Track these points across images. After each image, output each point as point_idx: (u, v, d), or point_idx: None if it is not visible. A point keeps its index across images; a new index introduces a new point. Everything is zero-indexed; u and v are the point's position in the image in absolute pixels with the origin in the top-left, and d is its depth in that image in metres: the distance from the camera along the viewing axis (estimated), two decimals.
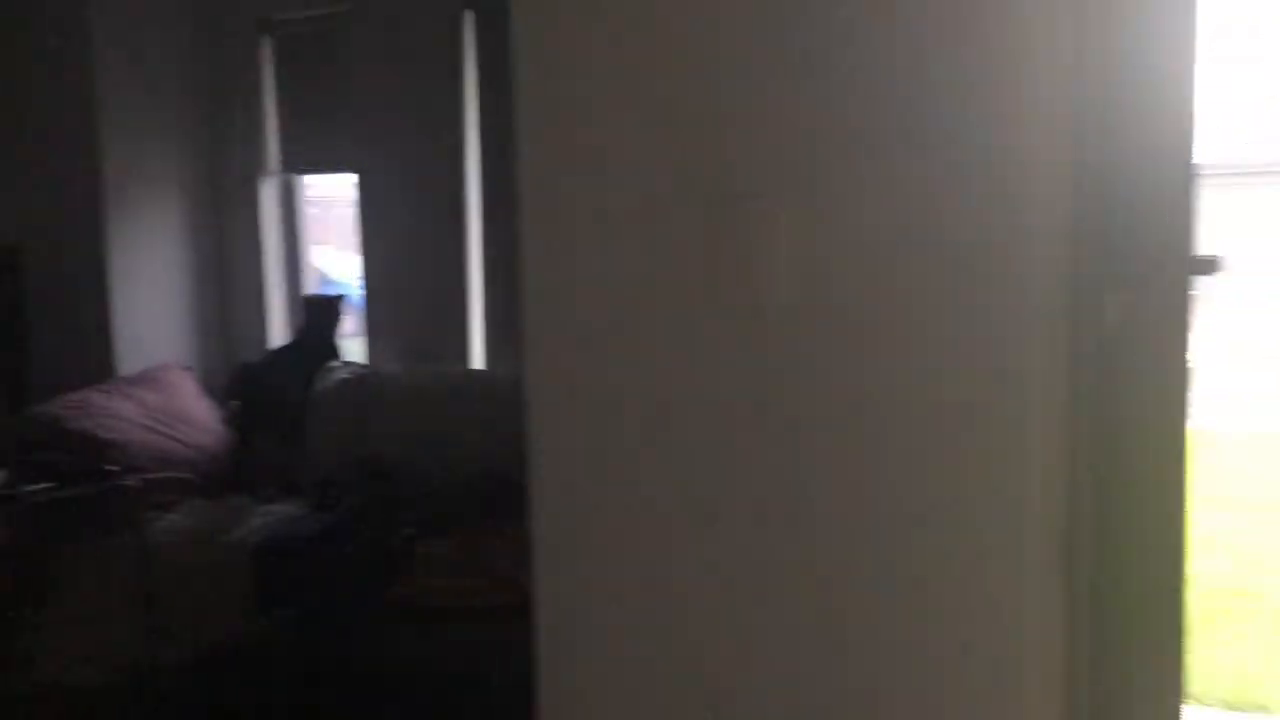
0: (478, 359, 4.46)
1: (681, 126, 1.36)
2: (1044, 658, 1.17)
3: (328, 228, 5.03)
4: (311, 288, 4.91)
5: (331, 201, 5.00)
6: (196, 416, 4.34)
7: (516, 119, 1.62)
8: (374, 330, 4.66)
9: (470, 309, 4.45)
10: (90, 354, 4.56)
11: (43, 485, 3.56)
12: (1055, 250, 1.15)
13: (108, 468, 3.75)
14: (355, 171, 4.64)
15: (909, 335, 1.21)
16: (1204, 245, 1.29)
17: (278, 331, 4.94)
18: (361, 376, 4.40)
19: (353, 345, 4.70)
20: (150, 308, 4.68)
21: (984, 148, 1.14)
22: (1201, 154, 1.23)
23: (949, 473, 1.20)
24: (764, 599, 1.37)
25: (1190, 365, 1.23)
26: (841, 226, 1.24)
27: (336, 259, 5.02)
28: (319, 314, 4.52)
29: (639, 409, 1.47)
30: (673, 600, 1.46)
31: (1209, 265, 1.29)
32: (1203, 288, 1.30)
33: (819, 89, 1.23)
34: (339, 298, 4.54)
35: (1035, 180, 1.13)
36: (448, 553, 3.11)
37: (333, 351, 4.55)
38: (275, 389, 4.36)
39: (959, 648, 1.21)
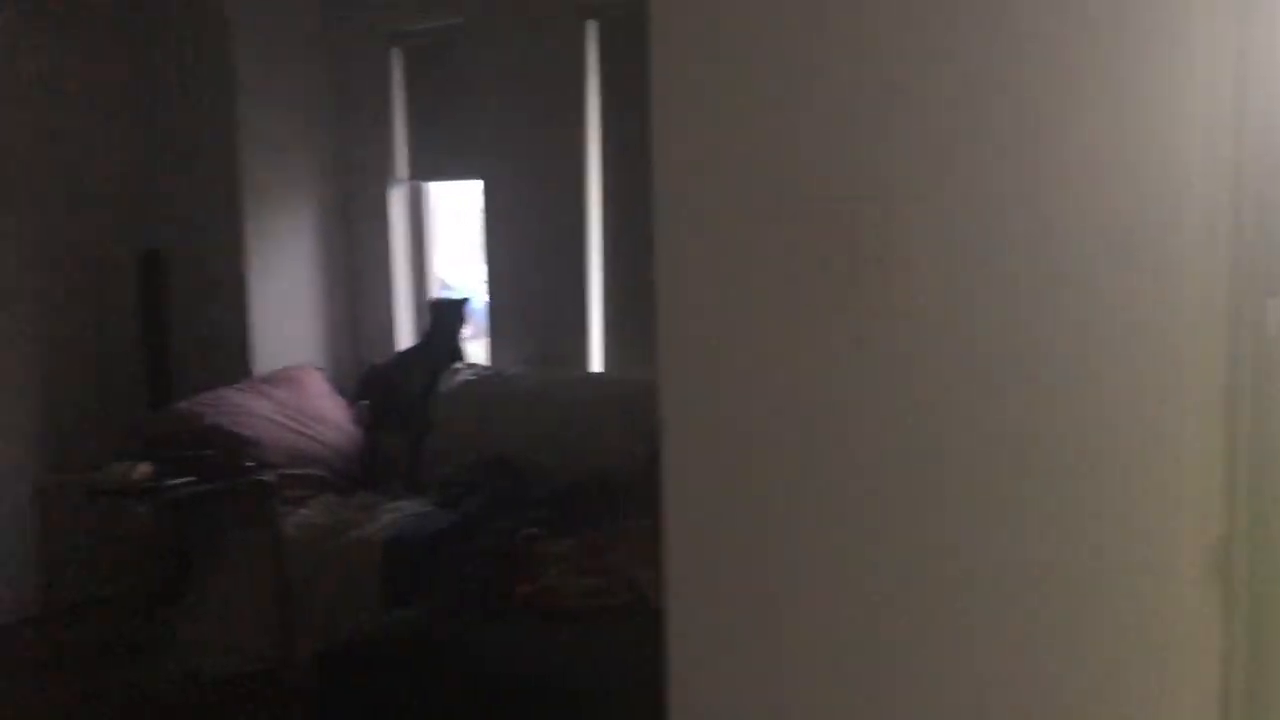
0: (597, 362, 4.52)
1: (818, 129, 1.36)
2: (1200, 665, 1.14)
3: (452, 234, 5.14)
4: (436, 292, 5.03)
5: (457, 207, 5.11)
6: (328, 415, 4.49)
7: (650, 126, 1.64)
8: (497, 333, 4.75)
9: (590, 313, 4.50)
10: (228, 354, 4.76)
11: (184, 480, 3.72)
12: (1215, 253, 1.12)
13: (246, 463, 3.90)
14: (480, 178, 4.75)
15: (1061, 338, 1.19)
16: None
17: (404, 334, 5.07)
18: (485, 378, 4.50)
19: (476, 348, 4.80)
20: (284, 310, 4.86)
21: (1142, 149, 1.11)
22: None
23: (1102, 477, 1.18)
24: (895, 601, 1.36)
25: None
26: (988, 228, 1.23)
27: (459, 264, 5.13)
28: (444, 317, 4.63)
29: (772, 411, 1.47)
30: (804, 603, 1.46)
31: None
32: None
33: (968, 90, 1.22)
34: (463, 301, 4.65)
35: (1195, 182, 1.11)
36: (570, 552, 3.15)
37: (457, 354, 4.66)
38: (402, 390, 4.49)
39: (1114, 653, 1.18)
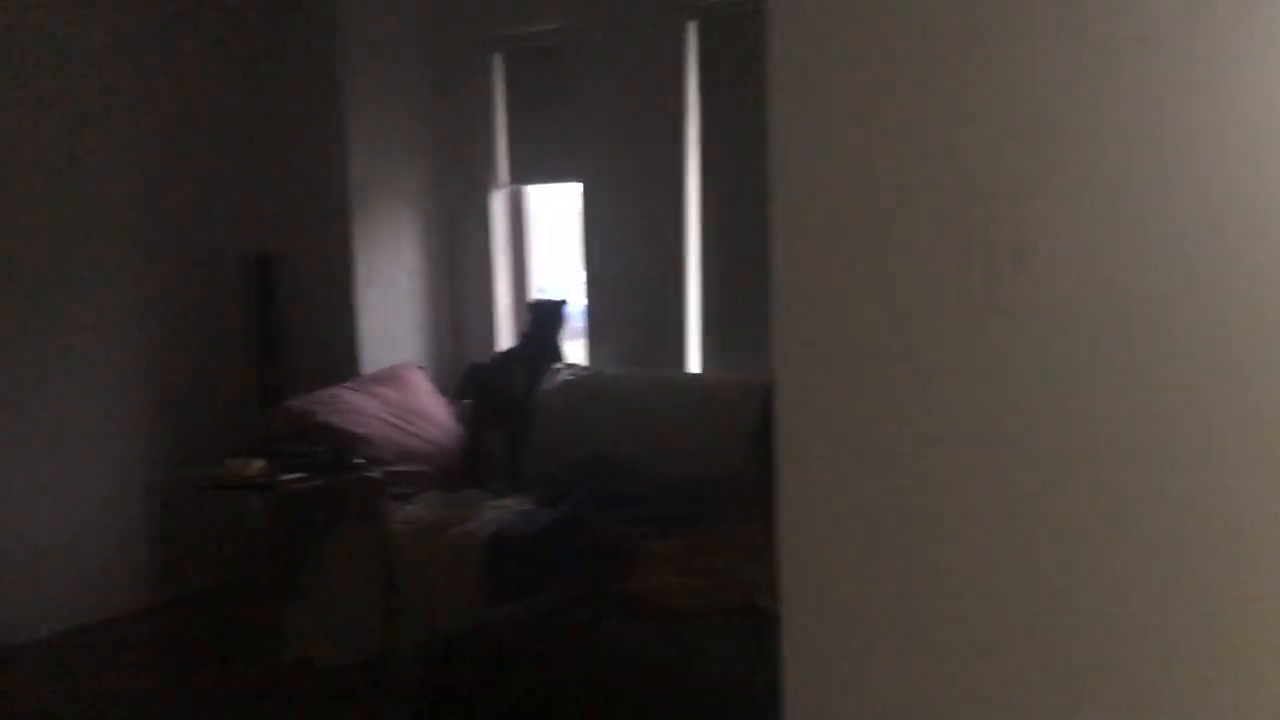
0: (694, 363, 4.53)
1: (949, 124, 1.34)
2: None
3: (551, 236, 5.20)
4: (535, 293, 5.10)
5: (555, 210, 5.17)
6: (432, 413, 4.58)
7: (770, 122, 1.63)
8: (595, 334, 4.79)
9: (688, 314, 4.52)
10: (337, 353, 4.89)
11: (295, 475, 3.83)
12: None
13: (355, 460, 4.00)
14: (578, 181, 4.80)
15: (1196, 337, 1.16)
16: None
17: (504, 334, 5.15)
18: (584, 378, 4.54)
19: (575, 348, 4.85)
20: (389, 310, 4.97)
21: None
22: None
23: (1232, 479, 1.15)
24: (1011, 604, 1.33)
25: None
26: (1125, 224, 1.20)
27: (558, 266, 5.19)
28: (543, 318, 4.69)
29: (895, 413, 1.45)
30: (924, 609, 1.44)
31: None
32: None
33: (1107, 84, 1.20)
34: (562, 303, 4.70)
35: None
36: (673, 552, 3.16)
37: (556, 354, 4.71)
38: (503, 389, 4.55)
39: (1237, 658, 1.15)
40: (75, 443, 4.50)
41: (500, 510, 4.01)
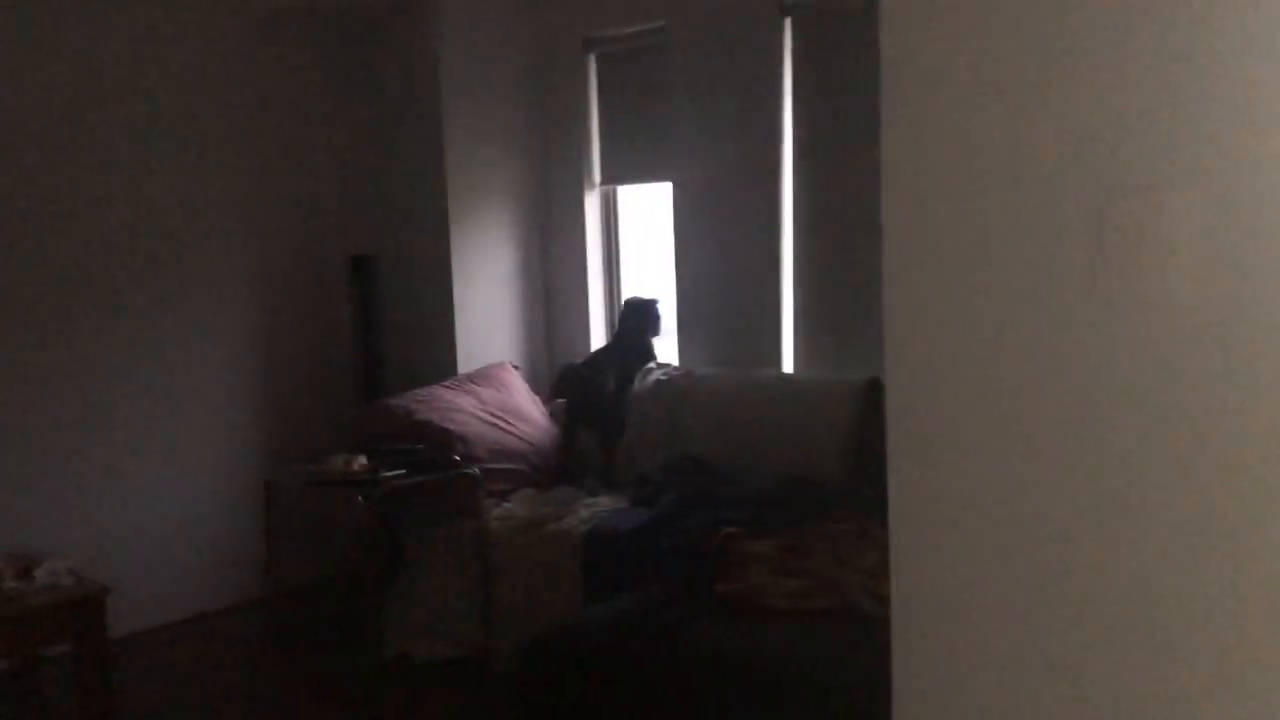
0: (788, 363, 4.51)
1: (1074, 116, 1.31)
2: None
3: (642, 236, 5.23)
4: (627, 293, 5.13)
5: (647, 210, 5.20)
6: (527, 412, 4.64)
7: (883, 116, 1.62)
8: (687, 334, 4.81)
9: (782, 314, 4.51)
10: (435, 352, 4.98)
11: (396, 472, 3.92)
12: None
13: (453, 457, 4.08)
14: (670, 181, 4.82)
15: None
16: None
17: (596, 333, 5.19)
18: (676, 378, 4.56)
19: (667, 347, 4.87)
20: (484, 310, 5.05)
21: None
22: None
23: None
24: (1129, 608, 1.31)
25: None
26: (1252, 219, 1.17)
27: (649, 266, 5.21)
28: (635, 317, 4.73)
29: (1013, 413, 1.43)
30: (1038, 614, 1.42)
31: None
32: None
33: (1227, 77, 1.17)
34: (653, 302, 4.72)
35: None
36: (770, 552, 3.17)
37: (649, 353, 4.74)
38: (596, 388, 4.60)
39: None
40: (192, 439, 4.67)
41: (594, 508, 4.05)
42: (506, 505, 4.17)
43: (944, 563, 1.55)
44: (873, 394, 3.98)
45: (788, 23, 4.40)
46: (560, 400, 4.80)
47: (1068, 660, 1.37)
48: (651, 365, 4.71)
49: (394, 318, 5.02)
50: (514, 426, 4.49)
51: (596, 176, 5.17)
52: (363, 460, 3.94)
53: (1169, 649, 1.27)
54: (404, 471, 3.94)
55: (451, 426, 4.27)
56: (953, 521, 1.51)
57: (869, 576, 2.94)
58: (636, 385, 4.63)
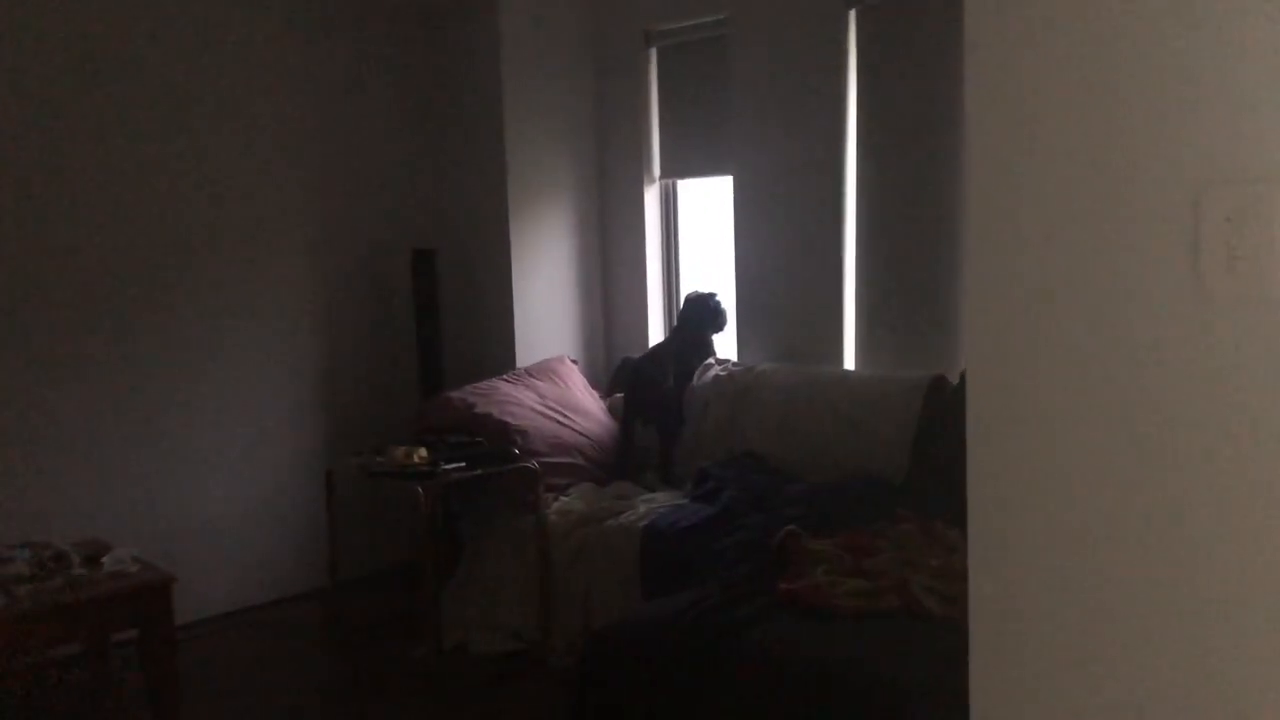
0: (850, 359, 4.45)
1: (1160, 104, 1.26)
2: None
3: (702, 229, 5.20)
4: (686, 287, 5.10)
5: (706, 203, 5.16)
6: (585, 406, 4.63)
7: (966, 106, 1.58)
8: (747, 329, 4.77)
9: (845, 310, 4.45)
10: (493, 345, 4.99)
11: (456, 465, 3.93)
12: None
13: (513, 450, 4.08)
14: (730, 174, 4.77)
15: None
16: None
17: (655, 328, 5.17)
18: (735, 374, 4.52)
19: (727, 343, 4.83)
20: (543, 304, 5.05)
21: None
22: None
23: None
24: (1217, 615, 1.26)
25: None
26: None
27: (709, 260, 5.18)
28: (694, 312, 4.69)
29: (1099, 414, 1.38)
30: (1121, 620, 1.37)
31: None
32: None
33: None
34: (713, 296, 4.68)
35: None
36: (832, 551, 3.12)
37: (708, 348, 4.70)
38: (655, 383, 4.57)
39: None
40: (256, 430, 4.71)
41: (652, 504, 4.03)
42: (565, 499, 4.17)
43: (1027, 561, 1.50)
44: (937, 391, 3.91)
45: (852, 14, 4.34)
46: (618, 395, 4.78)
47: (1160, 664, 1.32)
48: (711, 360, 4.67)
49: (454, 311, 5.04)
50: (572, 421, 4.48)
51: (656, 170, 5.14)
52: (423, 452, 3.95)
53: (1267, 660, 1.22)
54: (463, 464, 3.95)
55: (511, 420, 4.27)
56: (1038, 519, 1.46)
57: (935, 577, 2.89)
58: (696, 380, 4.60)
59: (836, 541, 3.19)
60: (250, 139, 4.67)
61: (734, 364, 4.66)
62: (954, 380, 3.95)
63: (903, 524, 3.29)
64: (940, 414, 3.85)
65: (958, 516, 3.39)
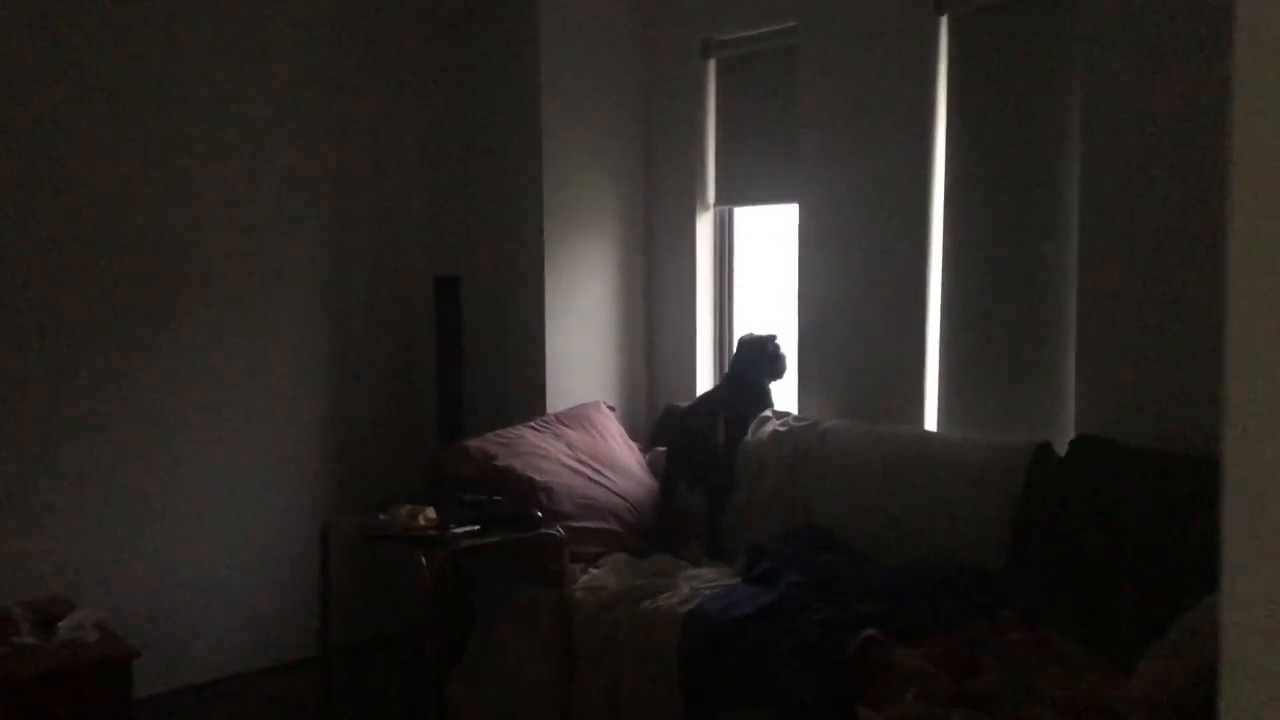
0: (930, 419, 3.84)
1: None
2: None
3: (761, 264, 4.62)
4: (742, 328, 4.51)
5: (767, 235, 4.59)
6: (621, 461, 4.04)
7: (1236, 105, 1.02)
8: (810, 378, 4.17)
9: (925, 360, 3.84)
10: (521, 387, 4.44)
11: (469, 528, 3.36)
12: None
13: (536, 513, 3.50)
14: (797, 203, 4.20)
15: None
16: None
17: (704, 373, 4.59)
18: (797, 430, 3.92)
19: (785, 394, 4.23)
20: (579, 342, 4.49)
21: None
22: None
23: None
24: None
25: None
26: None
27: (768, 298, 4.60)
28: (751, 356, 4.10)
29: None
30: None
31: None
32: None
33: None
34: (774, 339, 4.09)
35: None
36: (925, 666, 2.50)
37: (765, 399, 4.11)
38: (703, 437, 3.98)
39: None
40: (249, 476, 4.19)
41: (698, 583, 3.43)
42: (595, 572, 3.58)
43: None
44: (1042, 462, 3.29)
45: (943, 21, 3.75)
46: (660, 449, 4.19)
47: None
48: (768, 413, 4.07)
49: (479, 347, 4.50)
50: (607, 478, 3.90)
51: (711, 196, 4.57)
52: (430, 513, 3.39)
53: None
54: (477, 527, 3.38)
55: (536, 476, 3.69)
56: None
57: (1064, 714, 2.26)
58: (750, 436, 4.00)
59: (928, 653, 2.56)
60: (254, 153, 4.16)
61: (794, 418, 4.05)
62: (1060, 449, 3.33)
63: (1011, 630, 2.66)
64: (1046, 489, 3.22)
65: (1068, 620, 2.76)
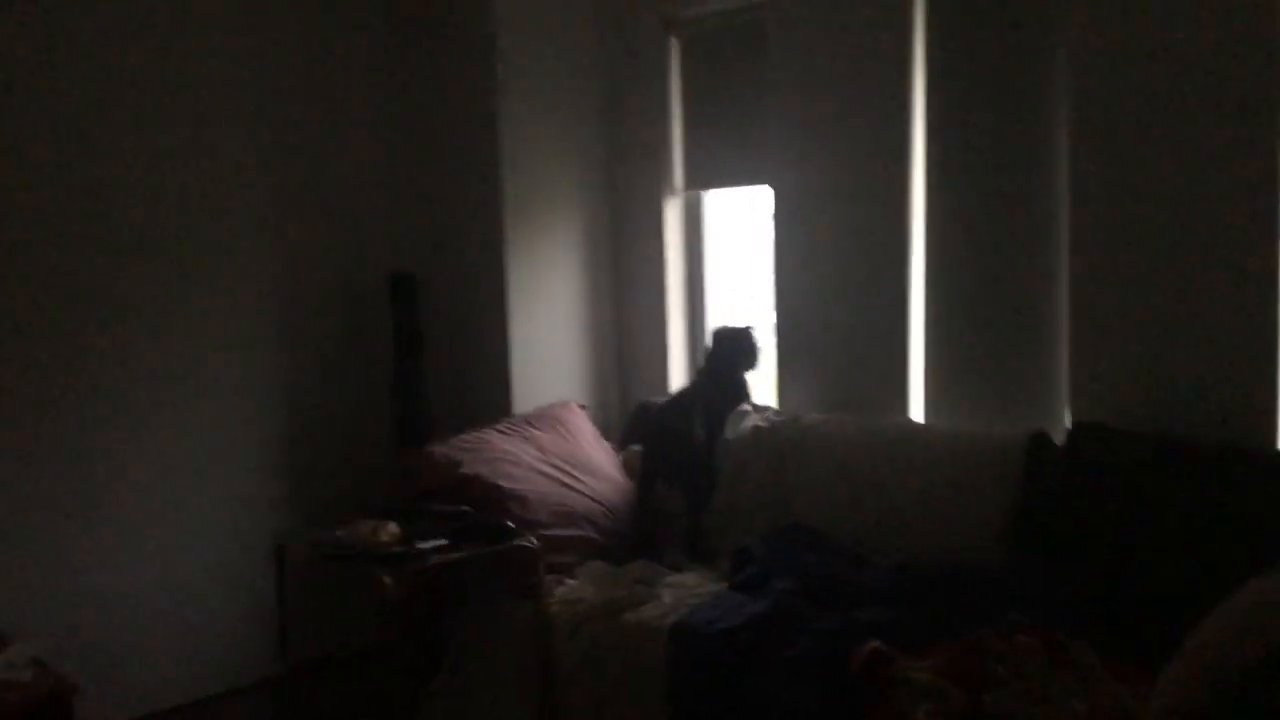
0: (916, 409, 3.67)
1: None
2: None
3: (734, 251, 4.43)
4: (715, 319, 4.32)
5: (740, 220, 4.40)
6: (596, 464, 3.84)
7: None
8: (789, 370, 3.98)
9: (909, 348, 3.66)
10: (486, 388, 4.22)
11: (435, 543, 3.14)
12: None
13: (507, 523, 3.29)
14: (770, 185, 4.01)
15: None
16: None
17: (677, 366, 4.39)
18: (778, 425, 3.74)
19: (763, 387, 4.04)
20: (546, 339, 4.27)
21: None
22: None
23: None
24: None
25: None
26: None
27: (743, 287, 4.41)
28: (727, 348, 3.90)
29: None
30: None
31: None
32: None
33: None
34: (750, 330, 3.90)
35: None
36: (930, 681, 2.32)
37: (743, 393, 3.92)
38: (680, 435, 3.78)
39: None
40: (197, 491, 3.94)
41: (682, 591, 3.24)
42: (572, 583, 3.37)
43: None
44: (1039, 452, 3.12)
45: None
46: (635, 448, 3.99)
47: None
48: (747, 408, 3.89)
49: (440, 348, 4.27)
50: (581, 482, 3.69)
51: (679, 181, 4.37)
52: (393, 528, 3.17)
53: None
54: (445, 542, 3.16)
55: (506, 484, 3.48)
56: None
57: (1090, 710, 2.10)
58: (730, 432, 3.81)
59: (938, 664, 2.38)
60: (197, 145, 3.91)
61: (775, 412, 3.87)
62: (1057, 439, 3.17)
63: (1021, 634, 2.49)
64: (1046, 482, 3.06)
65: (1075, 621, 2.59)
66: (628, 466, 3.94)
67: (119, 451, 3.76)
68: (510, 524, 3.29)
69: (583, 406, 4.17)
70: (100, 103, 3.68)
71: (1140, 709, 2.19)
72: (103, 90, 3.69)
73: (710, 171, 4.31)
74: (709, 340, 4.04)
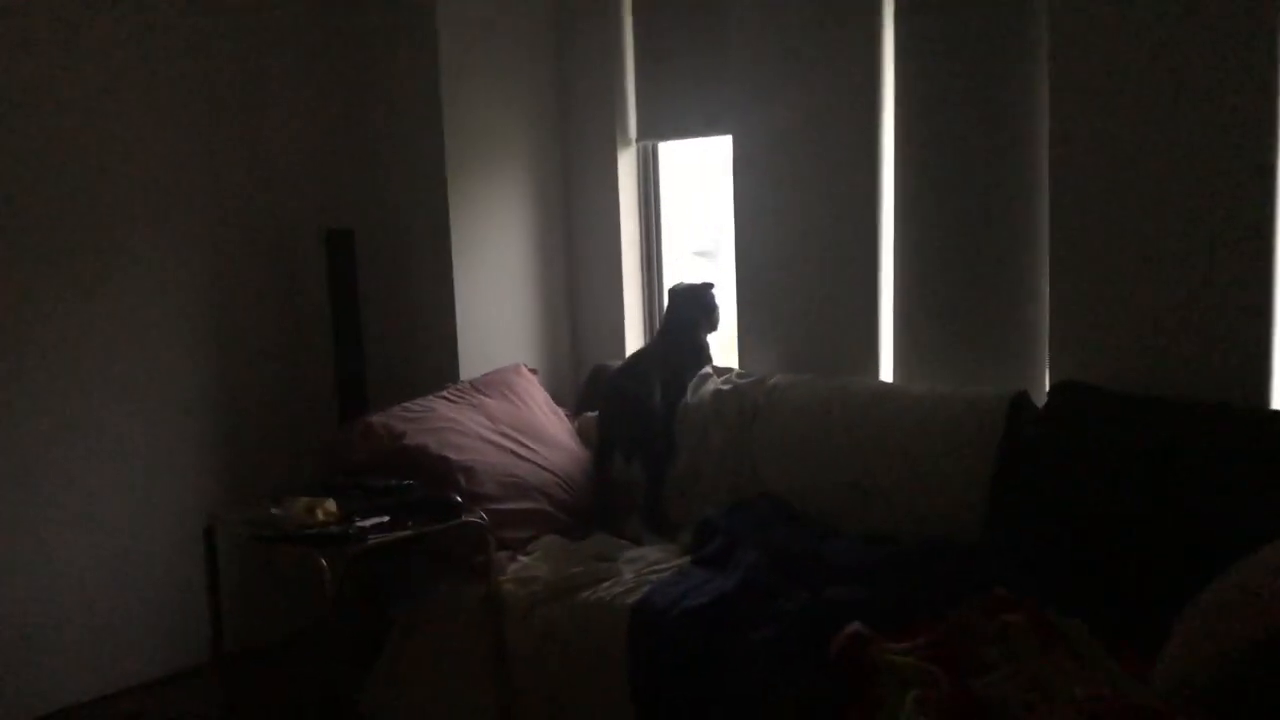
0: (886, 369, 3.49)
1: None
2: None
3: (692, 204, 4.21)
4: (673, 277, 4.10)
5: (697, 172, 4.17)
6: (548, 432, 3.62)
7: None
8: (751, 330, 3.78)
9: (879, 304, 3.48)
10: (430, 352, 3.98)
11: (376, 520, 2.91)
12: None
13: (455, 497, 3.06)
14: (730, 134, 3.78)
15: None
16: None
17: (633, 327, 4.18)
18: (742, 388, 3.54)
19: (724, 347, 3.85)
20: (493, 299, 4.03)
21: None
22: None
23: None
24: None
25: None
26: None
27: (701, 242, 4.20)
28: (686, 307, 3.70)
29: None
30: None
31: None
32: None
33: None
34: (709, 287, 3.70)
35: None
36: (914, 665, 2.14)
37: (703, 354, 3.72)
38: (637, 398, 3.57)
39: None
40: (118, 469, 3.67)
41: (642, 566, 3.04)
42: (524, 560, 3.16)
43: None
44: (1020, 413, 2.95)
45: None
46: (590, 415, 3.77)
47: None
48: (708, 370, 3.69)
49: (380, 309, 4.02)
50: (533, 451, 3.47)
51: (632, 131, 4.13)
52: (330, 505, 2.93)
53: None
54: (386, 519, 2.93)
55: (452, 454, 3.25)
56: None
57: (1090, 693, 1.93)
58: (690, 396, 3.61)
59: (920, 645, 2.21)
60: (112, 95, 3.60)
61: (738, 374, 3.67)
62: (1040, 399, 3.01)
63: (1005, 611, 2.32)
64: (1027, 445, 2.89)
65: (1061, 593, 2.42)
66: (583, 434, 3.73)
67: (37, 422, 3.48)
68: (457, 498, 3.06)
69: (533, 370, 3.95)
70: (15, 56, 3.36)
71: (1140, 693, 2.03)
72: (23, 44, 3.37)
73: (666, 121, 4.07)
74: (665, 299, 3.84)
